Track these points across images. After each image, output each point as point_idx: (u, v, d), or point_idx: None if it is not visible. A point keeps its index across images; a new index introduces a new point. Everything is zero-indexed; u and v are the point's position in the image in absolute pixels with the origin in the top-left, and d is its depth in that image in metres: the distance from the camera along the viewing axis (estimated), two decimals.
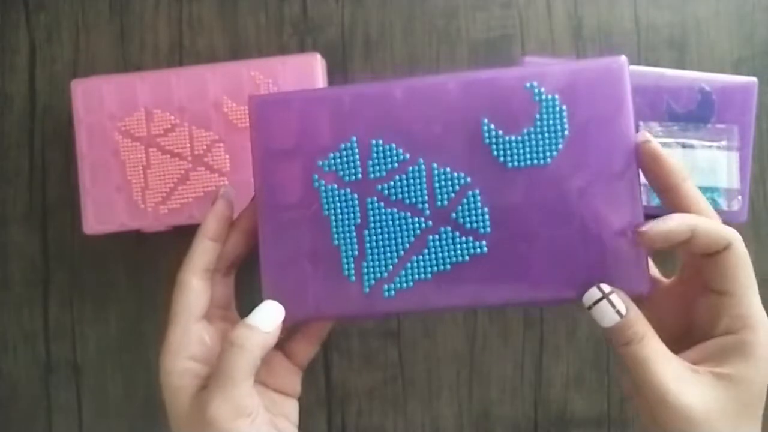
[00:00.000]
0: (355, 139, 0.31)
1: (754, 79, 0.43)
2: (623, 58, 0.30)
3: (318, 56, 0.42)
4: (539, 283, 0.30)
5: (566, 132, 0.30)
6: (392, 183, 0.31)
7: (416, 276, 0.30)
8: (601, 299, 0.28)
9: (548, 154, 0.30)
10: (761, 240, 0.46)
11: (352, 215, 0.31)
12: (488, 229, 0.30)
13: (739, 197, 0.43)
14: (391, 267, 0.31)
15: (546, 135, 0.30)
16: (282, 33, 0.46)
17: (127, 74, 0.42)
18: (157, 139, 0.42)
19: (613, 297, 0.28)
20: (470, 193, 0.30)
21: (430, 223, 0.30)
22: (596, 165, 0.30)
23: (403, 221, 0.31)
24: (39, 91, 0.47)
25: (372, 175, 0.31)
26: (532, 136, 0.30)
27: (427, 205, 0.30)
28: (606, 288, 0.28)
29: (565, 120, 0.30)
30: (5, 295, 0.47)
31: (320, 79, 0.42)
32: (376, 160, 0.31)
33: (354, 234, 0.31)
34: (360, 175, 0.31)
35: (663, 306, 0.32)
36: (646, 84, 0.42)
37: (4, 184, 0.47)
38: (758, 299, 0.29)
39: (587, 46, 0.46)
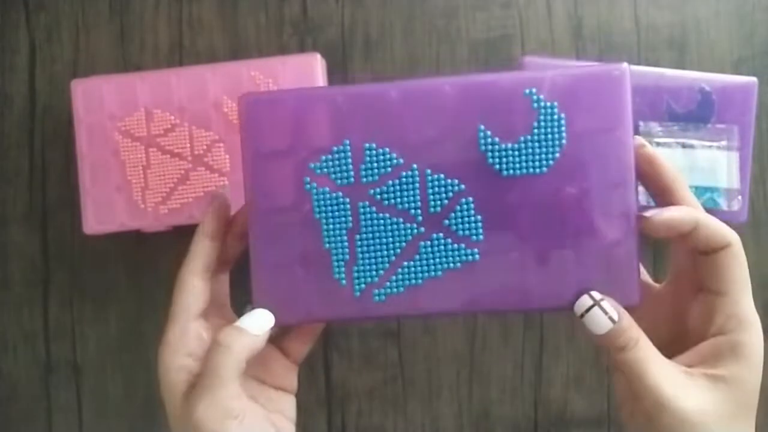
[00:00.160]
0: (348, 142, 0.30)
1: (754, 79, 0.43)
2: (625, 66, 0.29)
3: (318, 56, 0.42)
4: (531, 291, 0.30)
5: (564, 141, 0.29)
6: (385, 188, 0.30)
7: (407, 281, 0.30)
8: (592, 306, 0.28)
9: (545, 163, 0.29)
10: (761, 240, 0.46)
11: (343, 219, 0.30)
12: (481, 237, 0.30)
13: (739, 197, 0.43)
14: (382, 272, 0.30)
15: (543, 143, 0.29)
16: (282, 33, 0.46)
17: (127, 74, 0.42)
18: (157, 139, 0.42)
19: (605, 304, 0.28)
20: (464, 200, 0.30)
21: (423, 229, 0.30)
22: (593, 175, 0.29)
23: (395, 227, 0.30)
24: (39, 91, 0.47)
25: (365, 179, 0.30)
26: (529, 144, 0.30)
27: (419, 211, 0.30)
28: (597, 295, 0.28)
29: (563, 128, 0.29)
30: (5, 295, 0.47)
31: (320, 79, 0.42)
32: (369, 164, 0.30)
33: (345, 238, 0.30)
34: (352, 179, 0.30)
35: (653, 311, 0.32)
36: (646, 84, 0.42)
37: (4, 184, 0.47)
38: (752, 301, 0.29)
39: (587, 46, 0.46)
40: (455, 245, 0.30)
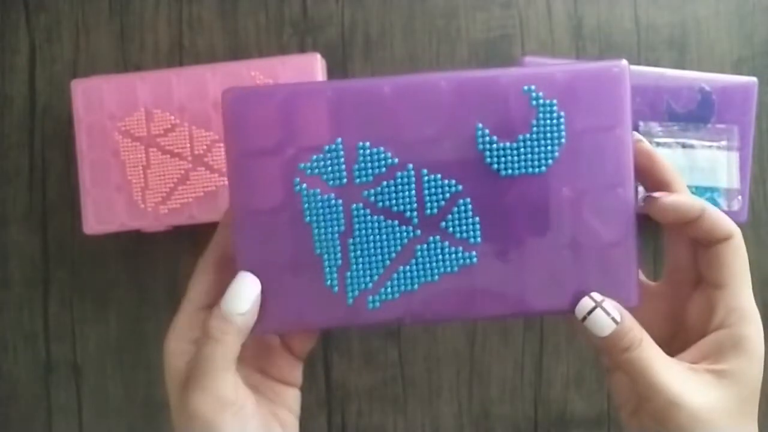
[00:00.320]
0: (340, 140, 0.29)
1: (754, 79, 0.43)
2: (624, 63, 0.29)
3: (318, 56, 0.42)
4: (529, 294, 0.29)
5: (563, 140, 0.29)
6: (379, 189, 0.29)
7: (402, 287, 0.29)
8: (594, 308, 0.28)
9: (544, 162, 0.29)
10: (761, 240, 0.46)
11: (335, 223, 0.29)
12: (479, 239, 0.29)
13: (739, 197, 0.43)
14: (376, 278, 0.29)
15: (543, 142, 0.29)
16: (282, 33, 0.46)
17: (127, 74, 0.42)
18: (157, 139, 0.42)
19: (606, 304, 0.28)
20: (461, 201, 0.29)
21: (419, 232, 0.29)
22: (592, 174, 0.29)
23: (390, 230, 0.29)
24: (39, 91, 0.47)
25: (358, 180, 0.29)
26: (528, 143, 0.29)
27: (415, 213, 0.29)
28: (598, 296, 0.28)
29: (562, 127, 0.29)
30: (5, 295, 0.47)
31: (320, 79, 0.42)
32: (363, 164, 0.29)
33: (338, 243, 0.29)
34: (345, 180, 0.29)
35: (650, 310, 0.31)
36: (646, 84, 0.42)
37: (4, 184, 0.47)
38: (752, 295, 0.29)
39: (587, 46, 0.46)
40: (453, 248, 0.29)
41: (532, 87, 0.29)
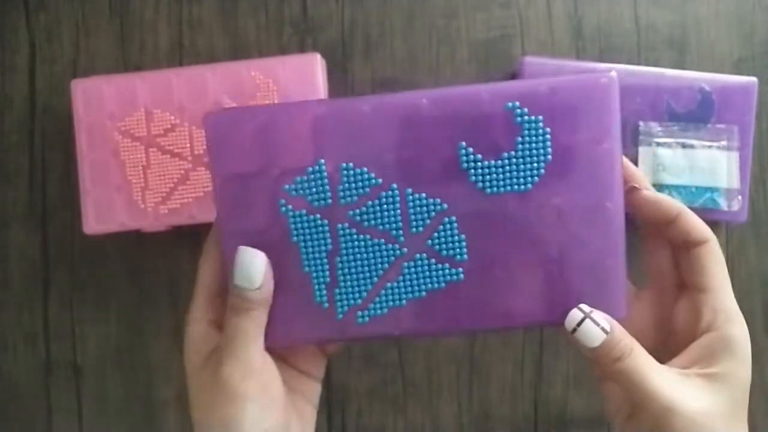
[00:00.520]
0: (323, 161, 0.29)
1: (754, 79, 0.43)
2: (612, 74, 0.28)
3: (318, 56, 0.42)
4: (515, 309, 0.29)
5: (549, 156, 0.28)
6: (365, 209, 0.29)
7: (390, 303, 0.29)
8: (583, 320, 0.28)
9: (529, 180, 0.28)
10: (761, 240, 0.46)
11: (322, 242, 0.29)
12: (465, 257, 0.29)
13: (739, 197, 0.43)
14: (365, 294, 0.29)
15: (528, 160, 0.28)
16: (282, 33, 0.46)
17: (127, 74, 0.42)
18: (157, 139, 0.42)
19: (595, 315, 0.28)
20: (447, 219, 0.29)
21: (405, 250, 0.29)
22: (579, 189, 0.28)
23: (377, 248, 0.29)
24: (39, 91, 0.47)
25: (342, 201, 0.29)
26: (513, 161, 0.28)
27: (401, 232, 0.29)
28: (586, 308, 0.28)
29: (548, 144, 0.28)
30: (5, 295, 0.47)
31: (320, 79, 0.42)
32: (347, 185, 0.29)
33: (326, 261, 0.29)
34: (330, 201, 0.29)
35: (638, 318, 0.32)
36: (646, 84, 0.42)
37: (4, 184, 0.47)
38: (733, 296, 0.29)
39: (587, 46, 0.46)
40: (439, 265, 0.29)
41: (516, 104, 0.28)
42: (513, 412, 0.46)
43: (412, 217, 0.29)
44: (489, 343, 0.46)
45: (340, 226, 0.29)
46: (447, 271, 0.29)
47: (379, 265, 0.29)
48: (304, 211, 0.29)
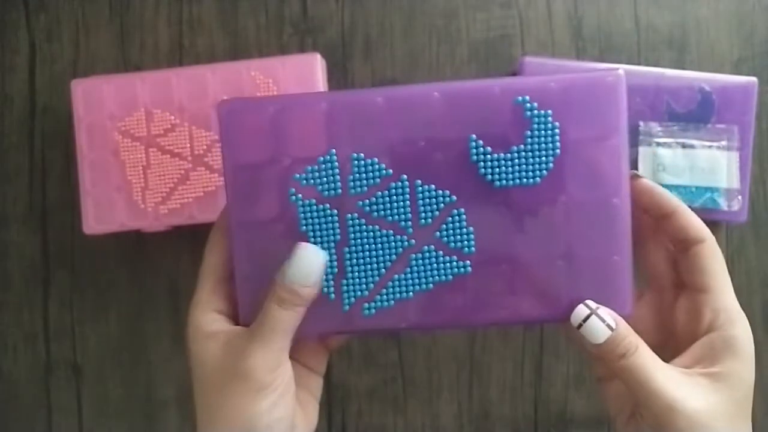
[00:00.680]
0: (334, 152, 0.29)
1: (754, 79, 0.43)
2: (620, 72, 0.29)
3: (318, 56, 0.42)
4: (524, 303, 0.29)
5: (558, 150, 0.29)
6: (374, 199, 0.29)
7: (397, 295, 0.29)
8: (589, 315, 0.28)
9: (538, 173, 0.29)
10: (761, 240, 0.46)
11: (331, 232, 0.29)
12: (473, 249, 0.29)
13: (739, 197, 0.43)
14: (372, 285, 0.29)
15: (537, 153, 0.29)
16: (282, 33, 0.46)
17: (127, 74, 0.42)
18: (157, 139, 0.42)
19: (601, 311, 0.28)
20: (455, 211, 0.29)
21: (413, 241, 0.29)
22: (587, 185, 0.29)
23: (385, 239, 0.29)
24: (39, 91, 0.47)
25: (352, 191, 0.29)
26: (522, 154, 0.29)
27: (410, 223, 0.29)
28: (592, 304, 0.28)
29: (557, 138, 0.28)
30: (5, 295, 0.47)
31: (320, 79, 0.42)
32: (357, 176, 0.29)
33: (333, 251, 0.29)
34: (340, 191, 0.29)
35: (638, 319, 0.31)
36: (646, 84, 0.42)
37: (4, 184, 0.47)
38: (734, 296, 0.29)
39: (587, 46, 0.46)
40: (447, 257, 0.29)
41: (527, 98, 0.28)
42: (513, 412, 0.46)
43: (421, 208, 0.29)
44: (489, 343, 0.46)
45: (349, 216, 0.29)
46: (455, 263, 0.29)
47: (387, 257, 0.29)
48: (313, 201, 0.29)
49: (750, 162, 0.43)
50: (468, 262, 0.29)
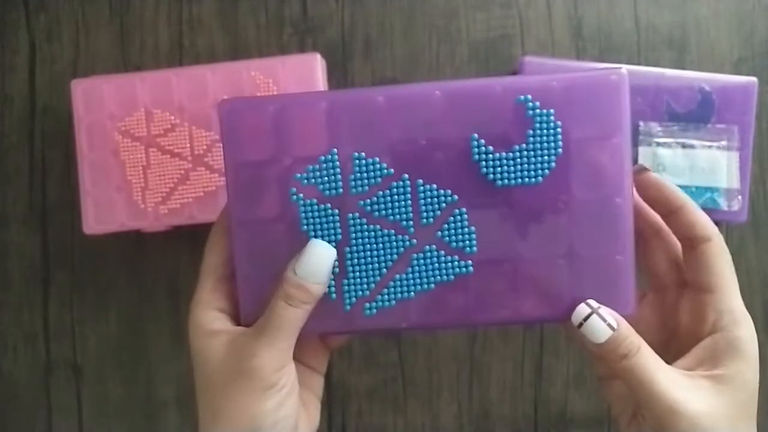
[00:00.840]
0: (335, 151, 0.29)
1: (754, 79, 0.43)
2: (623, 71, 0.28)
3: (318, 56, 0.42)
4: (525, 303, 0.29)
5: (560, 149, 0.28)
6: (375, 199, 0.29)
7: (398, 295, 0.29)
8: (590, 315, 0.28)
9: (540, 172, 0.29)
10: (761, 240, 0.46)
11: (332, 232, 0.29)
12: (474, 249, 0.29)
13: (739, 197, 0.43)
14: (373, 285, 0.29)
15: (539, 153, 0.28)
16: (282, 33, 0.46)
17: (127, 74, 0.42)
18: (157, 139, 0.42)
19: (603, 311, 0.28)
20: (457, 211, 0.29)
21: (415, 241, 0.29)
22: (590, 184, 0.29)
23: (387, 239, 0.29)
24: (39, 91, 0.47)
25: (354, 191, 0.29)
26: (524, 153, 0.28)
27: (411, 223, 0.29)
28: (594, 303, 0.28)
29: (559, 137, 0.28)
30: (5, 295, 0.47)
31: (320, 79, 0.42)
32: (359, 175, 0.29)
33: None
34: (341, 190, 0.29)
35: (641, 319, 0.31)
36: (646, 84, 0.42)
37: (4, 184, 0.47)
38: (740, 298, 0.29)
39: (587, 46, 0.46)
40: (448, 257, 0.29)
41: (528, 97, 0.28)
42: (513, 412, 0.46)
43: (423, 208, 0.29)
44: (489, 343, 0.46)
45: (350, 215, 0.29)
46: (456, 263, 0.29)
47: (389, 256, 0.29)
48: (314, 200, 0.29)
49: (750, 162, 0.43)
50: (470, 261, 0.29)
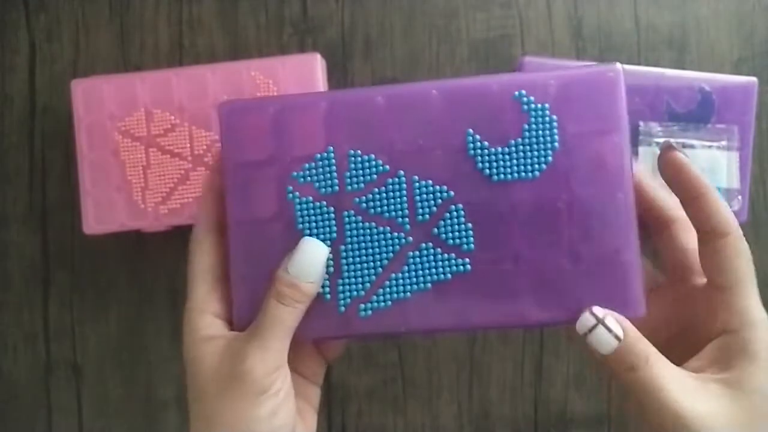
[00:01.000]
0: (332, 149, 0.29)
1: (754, 79, 0.43)
2: (618, 67, 0.28)
3: (318, 56, 0.42)
4: (526, 304, 0.28)
5: (556, 144, 0.28)
6: (371, 196, 0.29)
7: (394, 295, 0.29)
8: (596, 325, 0.27)
9: (536, 167, 0.28)
10: (761, 240, 0.46)
11: (327, 230, 0.29)
12: (472, 246, 0.28)
13: (739, 197, 0.43)
14: (368, 285, 0.29)
15: (534, 147, 0.28)
16: (282, 33, 0.46)
17: (127, 74, 0.42)
18: (157, 139, 0.42)
19: (608, 320, 0.27)
20: (453, 207, 0.29)
21: (411, 238, 0.29)
22: (588, 180, 0.28)
23: (382, 236, 0.29)
24: (39, 91, 0.47)
25: (349, 188, 0.29)
26: (520, 147, 0.28)
27: (407, 220, 0.29)
28: (599, 312, 0.27)
29: (555, 132, 0.28)
30: (5, 295, 0.47)
31: (320, 79, 0.42)
32: (354, 172, 0.29)
33: (330, 250, 0.29)
34: (337, 188, 0.29)
35: (657, 309, 0.30)
36: (646, 84, 0.42)
37: (4, 184, 0.47)
38: (757, 296, 0.27)
39: (587, 46, 0.46)
40: (445, 255, 0.29)
41: (523, 92, 0.28)
42: (513, 412, 0.46)
43: (419, 204, 0.29)
44: (489, 343, 0.46)
45: (345, 213, 0.29)
46: (453, 261, 0.29)
47: (384, 255, 0.29)
48: (310, 198, 0.29)
49: (750, 162, 0.43)
50: (467, 259, 0.29)
